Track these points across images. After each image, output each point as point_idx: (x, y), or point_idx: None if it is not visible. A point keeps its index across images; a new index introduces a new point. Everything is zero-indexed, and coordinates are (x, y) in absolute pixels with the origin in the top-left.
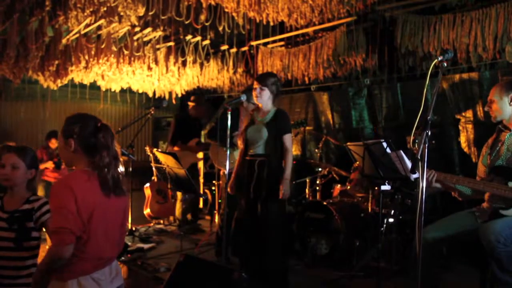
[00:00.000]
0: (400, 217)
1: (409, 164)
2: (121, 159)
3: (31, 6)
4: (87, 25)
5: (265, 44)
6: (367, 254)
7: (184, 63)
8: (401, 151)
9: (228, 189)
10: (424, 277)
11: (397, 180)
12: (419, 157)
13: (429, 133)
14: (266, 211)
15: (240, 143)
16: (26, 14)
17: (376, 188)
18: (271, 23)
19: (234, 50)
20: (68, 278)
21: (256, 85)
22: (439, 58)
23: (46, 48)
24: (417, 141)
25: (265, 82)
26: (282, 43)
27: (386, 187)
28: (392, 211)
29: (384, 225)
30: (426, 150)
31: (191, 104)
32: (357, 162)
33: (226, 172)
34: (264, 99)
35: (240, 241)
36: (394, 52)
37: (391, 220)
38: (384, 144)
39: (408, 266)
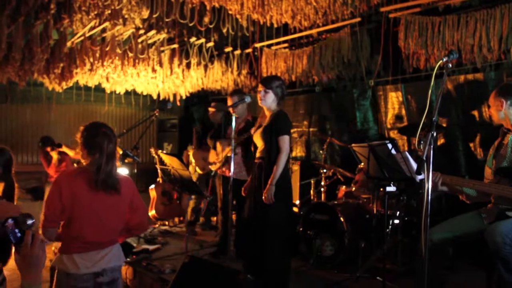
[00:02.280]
0: (406, 218)
1: (414, 165)
2: (117, 163)
3: (36, 9)
4: (92, 28)
5: (269, 46)
6: (373, 256)
7: (188, 65)
8: (406, 152)
9: (242, 192)
10: (430, 278)
11: (402, 182)
12: (424, 158)
13: (434, 134)
14: (265, 213)
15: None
16: (31, 17)
17: (381, 189)
18: (275, 25)
19: (238, 52)
20: (60, 252)
21: (260, 87)
22: (444, 59)
23: (51, 51)
24: (422, 142)
25: (270, 84)
26: (286, 44)
27: (391, 188)
28: (397, 212)
29: (390, 227)
30: (432, 151)
31: (211, 110)
32: (362, 164)
33: (231, 174)
34: (268, 101)
35: (243, 244)
36: (398, 54)
37: (396, 221)
38: (389, 145)
39: (414, 268)
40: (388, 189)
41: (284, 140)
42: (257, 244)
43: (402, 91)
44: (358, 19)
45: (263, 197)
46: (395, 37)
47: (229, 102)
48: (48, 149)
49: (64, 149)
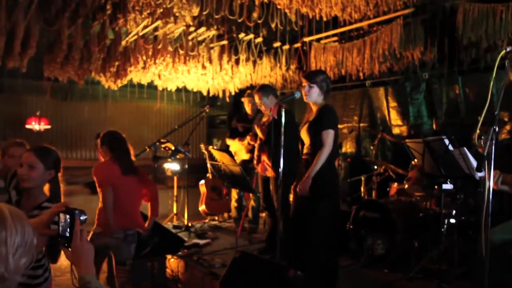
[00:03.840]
0: (462, 217)
1: (473, 161)
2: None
3: (93, 10)
4: (145, 27)
5: (318, 40)
6: (427, 256)
7: (237, 61)
8: (465, 148)
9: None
10: (490, 281)
11: (459, 179)
12: (485, 155)
13: (497, 129)
14: (311, 210)
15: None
16: (89, 18)
17: (436, 187)
18: (324, 18)
19: (286, 47)
20: None
21: (304, 82)
22: (508, 49)
23: (107, 50)
24: (482, 137)
25: (314, 79)
26: (335, 38)
27: (447, 186)
28: (454, 211)
29: (445, 226)
30: (493, 147)
31: (247, 100)
32: (416, 160)
33: (280, 170)
34: (313, 96)
35: (288, 242)
36: (455, 44)
37: (452, 220)
38: (446, 141)
39: (472, 270)
40: (444, 186)
41: (328, 135)
42: (302, 241)
43: (459, 84)
44: (412, 9)
45: (297, 189)
46: (451, 27)
47: (257, 99)
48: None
49: None
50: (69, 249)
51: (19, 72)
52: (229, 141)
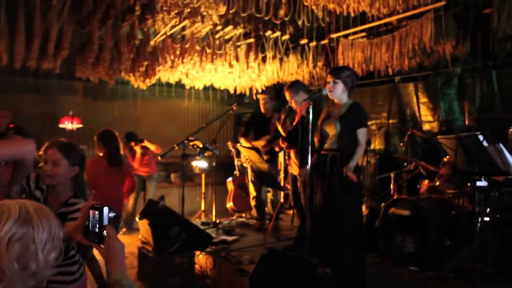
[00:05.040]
0: (497, 216)
1: (510, 158)
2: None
3: (123, 11)
4: (173, 27)
5: (345, 36)
6: (460, 255)
7: (264, 59)
8: (501, 144)
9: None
10: None
11: (494, 176)
12: None
13: None
14: (338, 206)
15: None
16: (119, 19)
17: (469, 184)
18: (352, 14)
19: (313, 43)
20: None
21: (329, 78)
22: None
23: (136, 50)
24: None
25: (339, 75)
26: (363, 34)
27: (481, 183)
28: (488, 209)
29: (479, 224)
30: None
31: (263, 97)
32: (448, 157)
33: (308, 167)
34: (337, 92)
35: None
36: (488, 38)
37: (486, 218)
38: (480, 137)
39: (508, 269)
40: (478, 183)
41: (364, 133)
42: (329, 238)
43: (493, 78)
44: (443, 3)
45: (345, 173)
46: (485, 20)
47: (287, 96)
48: (132, 143)
49: (146, 143)
50: (101, 245)
51: (53, 73)
52: (242, 141)
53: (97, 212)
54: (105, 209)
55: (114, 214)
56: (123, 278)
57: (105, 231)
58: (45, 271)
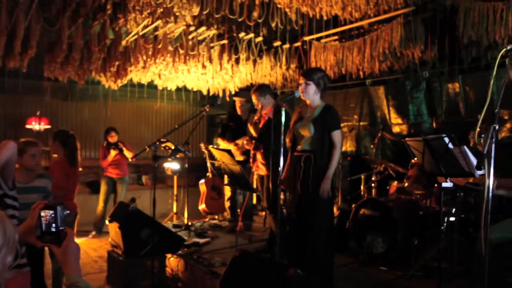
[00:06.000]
0: (462, 215)
1: (473, 160)
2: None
3: (94, 10)
4: (145, 27)
5: (318, 39)
6: (427, 254)
7: (237, 61)
8: (465, 147)
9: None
10: (490, 280)
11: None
12: (485, 153)
13: (497, 128)
14: (311, 208)
15: (287, 140)
16: (90, 18)
17: (435, 185)
18: (325, 17)
19: (287, 46)
20: None
21: (301, 80)
22: (508, 47)
23: (107, 50)
24: (482, 135)
25: (311, 76)
26: (335, 37)
27: (447, 184)
28: (454, 209)
29: (445, 224)
30: (493, 145)
31: (239, 100)
32: (416, 158)
33: (280, 169)
34: (310, 93)
35: (289, 241)
36: (455, 43)
37: (452, 218)
38: (446, 139)
39: (471, 268)
40: (444, 184)
41: (339, 135)
42: (302, 239)
43: (459, 82)
44: (412, 8)
45: (320, 191)
46: (452, 26)
47: (254, 99)
48: (113, 133)
49: (125, 152)
50: (57, 245)
51: (20, 72)
52: (220, 141)
53: (51, 212)
54: (59, 208)
55: (68, 212)
56: (79, 280)
57: (62, 231)
58: (3, 274)
